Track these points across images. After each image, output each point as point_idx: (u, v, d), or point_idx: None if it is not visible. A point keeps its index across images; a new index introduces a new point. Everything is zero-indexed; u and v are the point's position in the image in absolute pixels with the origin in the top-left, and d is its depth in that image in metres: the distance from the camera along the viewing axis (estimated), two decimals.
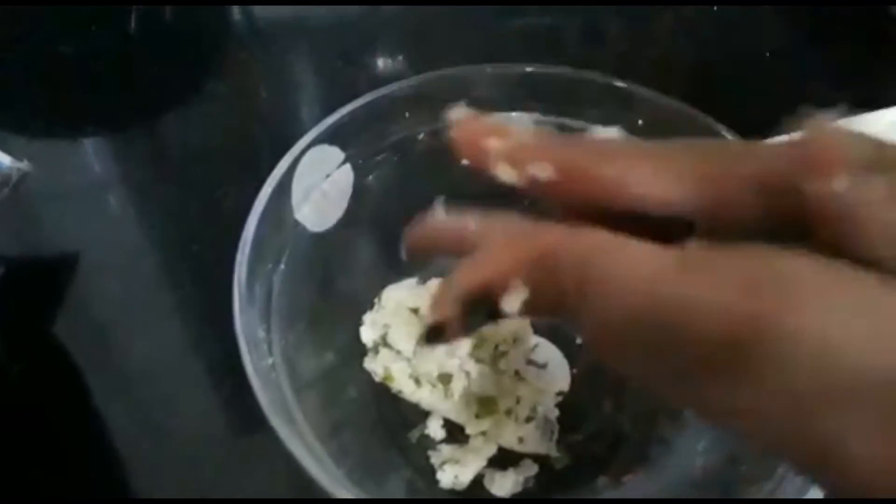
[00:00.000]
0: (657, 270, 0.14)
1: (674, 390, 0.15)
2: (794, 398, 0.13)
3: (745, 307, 0.13)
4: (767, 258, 0.14)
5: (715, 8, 0.57)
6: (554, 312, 0.16)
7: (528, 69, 0.35)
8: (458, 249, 0.19)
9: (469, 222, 0.19)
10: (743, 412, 0.14)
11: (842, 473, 0.12)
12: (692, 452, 0.32)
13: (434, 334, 0.17)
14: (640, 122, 0.35)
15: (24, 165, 0.38)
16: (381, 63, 0.56)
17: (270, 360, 0.28)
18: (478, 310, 0.16)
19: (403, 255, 0.22)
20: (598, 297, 0.15)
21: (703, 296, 0.14)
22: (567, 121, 0.36)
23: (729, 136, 0.33)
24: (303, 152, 0.32)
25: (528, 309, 0.16)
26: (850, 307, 0.13)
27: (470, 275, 0.16)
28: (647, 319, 0.14)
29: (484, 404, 0.32)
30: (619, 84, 0.35)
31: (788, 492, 0.26)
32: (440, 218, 0.20)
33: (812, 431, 0.13)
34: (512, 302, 0.16)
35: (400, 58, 0.56)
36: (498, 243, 0.17)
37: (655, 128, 0.35)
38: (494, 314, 0.16)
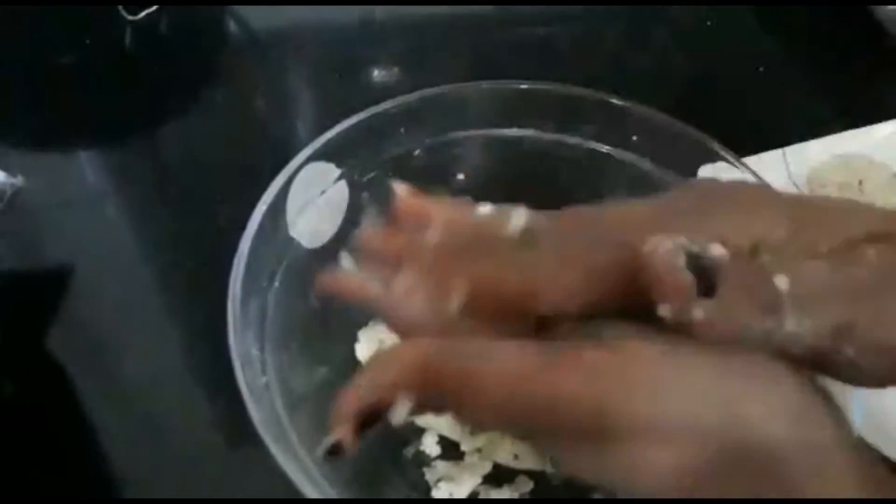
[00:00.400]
0: (523, 371, 0.18)
1: (552, 455, 0.21)
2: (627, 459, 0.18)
3: (591, 395, 0.17)
4: (612, 348, 0.18)
5: (709, 23, 0.57)
6: (437, 412, 0.19)
7: (524, 86, 0.35)
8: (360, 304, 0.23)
9: (368, 290, 0.23)
10: (604, 472, 0.18)
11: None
12: None
13: (334, 451, 0.19)
14: (634, 137, 0.35)
15: (18, 181, 0.38)
16: (378, 75, 0.56)
17: (264, 379, 0.27)
18: (369, 421, 0.19)
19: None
20: (477, 396, 0.18)
21: (560, 388, 0.18)
22: (564, 137, 0.37)
23: (721, 151, 0.34)
24: (298, 169, 0.32)
25: (414, 412, 0.19)
26: (667, 383, 0.17)
27: (359, 397, 0.19)
28: (519, 412, 0.18)
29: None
30: (614, 101, 0.35)
31: None
32: (345, 274, 0.25)
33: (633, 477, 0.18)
34: (399, 413, 0.18)
35: (397, 70, 0.56)
36: (382, 360, 0.20)
37: (649, 144, 0.35)
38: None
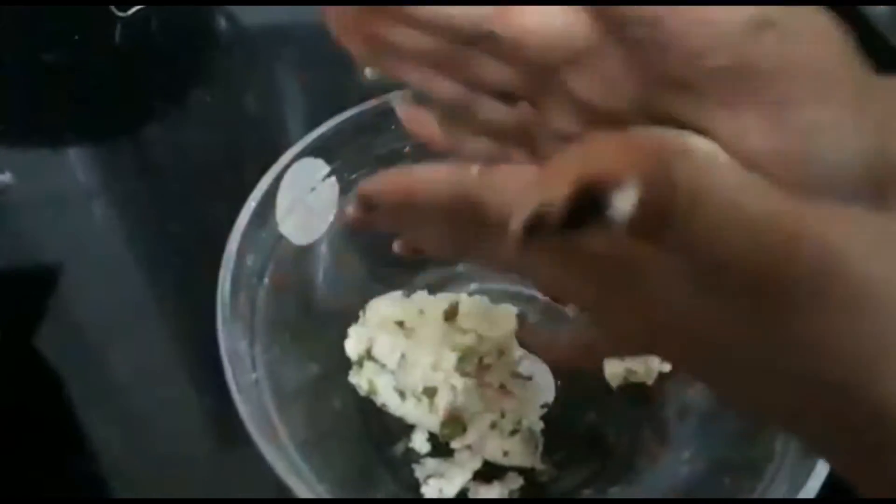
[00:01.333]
0: (766, 199, 0.14)
1: (750, 329, 0.14)
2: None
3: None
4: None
5: None
6: (659, 225, 0.14)
7: None
8: (446, 211, 0.17)
9: (467, 173, 0.17)
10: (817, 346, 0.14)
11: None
12: (676, 463, 0.32)
13: (536, 224, 0.13)
14: None
15: (7, 178, 0.38)
16: (370, 72, 0.56)
17: (254, 375, 0.27)
18: (584, 207, 0.13)
19: (354, 210, 0.19)
20: (712, 211, 0.14)
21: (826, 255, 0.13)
22: None
23: None
24: (287, 166, 0.32)
25: (638, 216, 0.13)
26: None
27: (587, 159, 0.13)
28: (754, 240, 0.14)
29: (452, 424, 0.32)
30: None
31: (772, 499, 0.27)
32: (424, 170, 0.18)
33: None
34: (626, 199, 0.13)
35: None
36: (604, 141, 0.14)
37: None
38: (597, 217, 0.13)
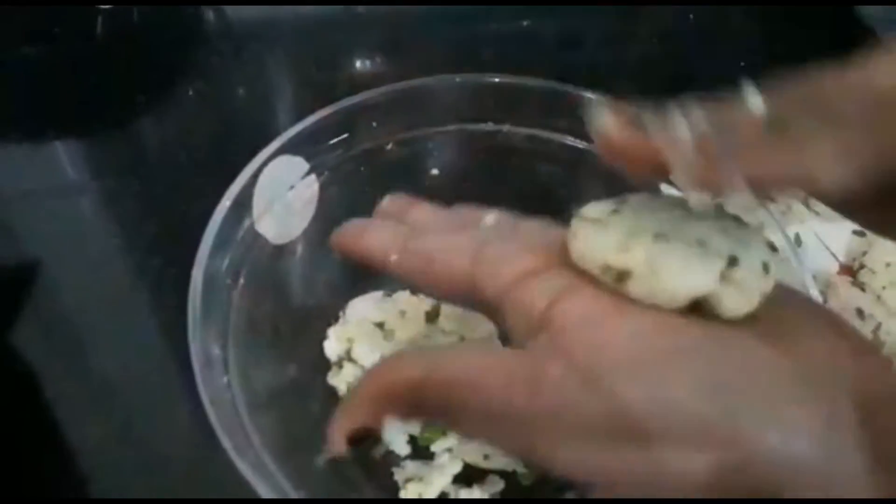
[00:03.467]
0: (507, 397, 0.17)
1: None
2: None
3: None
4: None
5: (691, 16, 0.57)
6: (432, 422, 0.21)
7: (497, 80, 0.35)
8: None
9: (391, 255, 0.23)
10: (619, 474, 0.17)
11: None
12: None
13: (333, 461, 0.20)
14: None
15: None
16: (357, 66, 0.55)
17: (226, 379, 0.27)
18: (364, 439, 0.19)
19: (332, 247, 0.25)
20: (462, 417, 0.18)
21: (548, 404, 0.17)
22: (538, 132, 0.36)
23: None
24: (265, 163, 0.31)
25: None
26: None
27: (348, 417, 0.19)
28: (508, 428, 0.18)
29: (432, 427, 0.31)
30: (588, 95, 0.34)
31: None
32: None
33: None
34: (391, 433, 0.19)
35: (376, 61, 0.56)
36: (363, 390, 0.20)
37: None
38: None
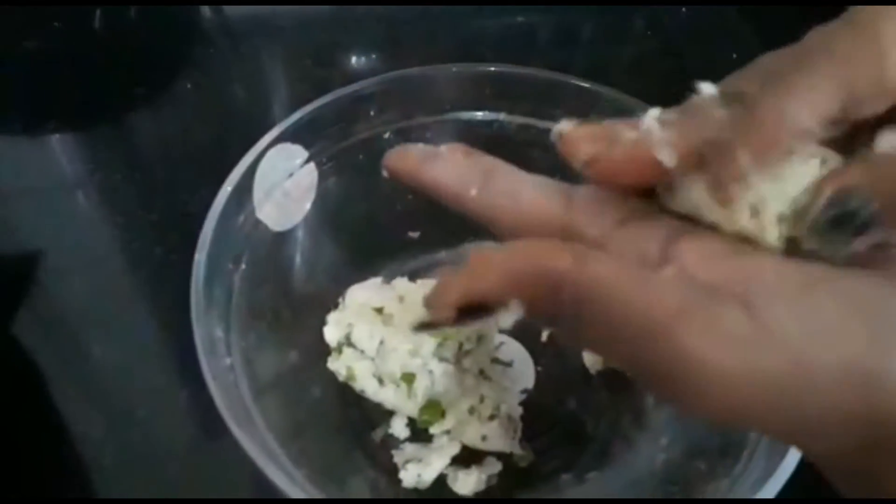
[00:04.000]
0: (649, 316, 0.15)
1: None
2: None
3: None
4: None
5: (684, 9, 0.57)
6: (544, 325, 0.17)
7: (493, 69, 0.35)
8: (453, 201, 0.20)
9: (469, 192, 0.20)
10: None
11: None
12: (654, 449, 0.32)
13: (426, 327, 0.17)
14: (604, 122, 0.35)
15: None
16: (353, 61, 0.56)
17: (229, 361, 0.27)
18: (471, 316, 0.16)
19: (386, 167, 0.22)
20: (593, 327, 0.16)
21: (695, 356, 0.15)
22: (532, 121, 0.36)
23: None
24: (264, 151, 0.32)
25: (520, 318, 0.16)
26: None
27: (471, 284, 0.16)
28: (632, 357, 0.16)
29: (430, 410, 0.32)
30: (585, 84, 0.35)
31: (745, 485, 0.27)
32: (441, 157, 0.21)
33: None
34: (507, 319, 0.16)
35: (372, 56, 0.56)
36: (501, 259, 0.17)
37: None
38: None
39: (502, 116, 0.36)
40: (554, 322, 0.17)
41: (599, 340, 0.16)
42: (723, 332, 0.15)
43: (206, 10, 0.57)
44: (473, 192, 0.20)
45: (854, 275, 0.16)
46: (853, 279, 0.16)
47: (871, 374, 0.14)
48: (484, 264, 0.16)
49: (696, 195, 0.18)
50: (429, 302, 0.16)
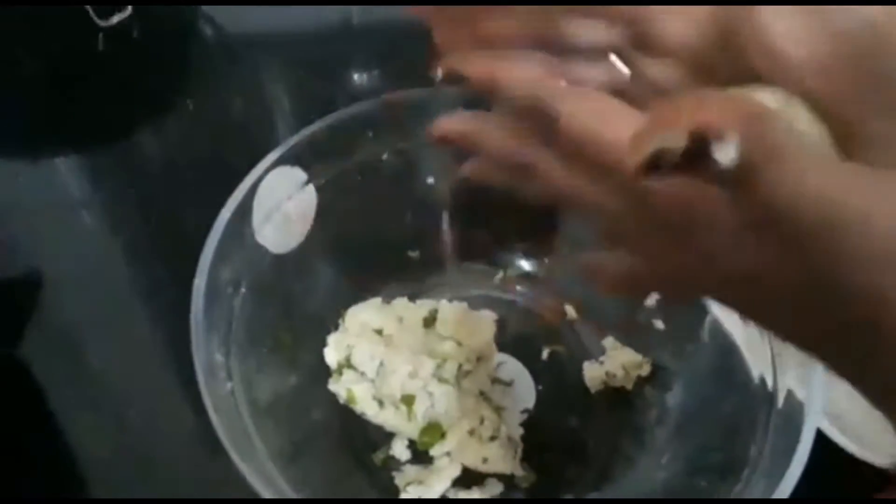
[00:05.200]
0: (838, 174, 0.15)
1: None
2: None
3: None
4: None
5: None
6: (744, 177, 0.16)
7: None
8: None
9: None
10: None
11: None
12: (654, 467, 0.32)
13: (653, 164, 0.16)
14: None
15: None
16: (353, 79, 0.56)
17: (229, 386, 0.27)
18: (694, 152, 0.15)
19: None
20: (789, 172, 0.15)
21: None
22: None
23: None
24: (264, 174, 0.32)
25: (737, 164, 0.15)
26: None
27: (696, 110, 0.15)
28: (814, 211, 0.15)
29: (431, 432, 0.32)
30: None
31: None
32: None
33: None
34: (728, 151, 0.15)
35: (373, 73, 0.56)
36: (707, 97, 0.17)
37: None
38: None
39: None
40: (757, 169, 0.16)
41: (775, 203, 0.16)
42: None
43: (206, 29, 0.58)
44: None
45: None
46: None
47: None
48: (705, 98, 0.16)
49: None
50: (657, 121, 0.16)
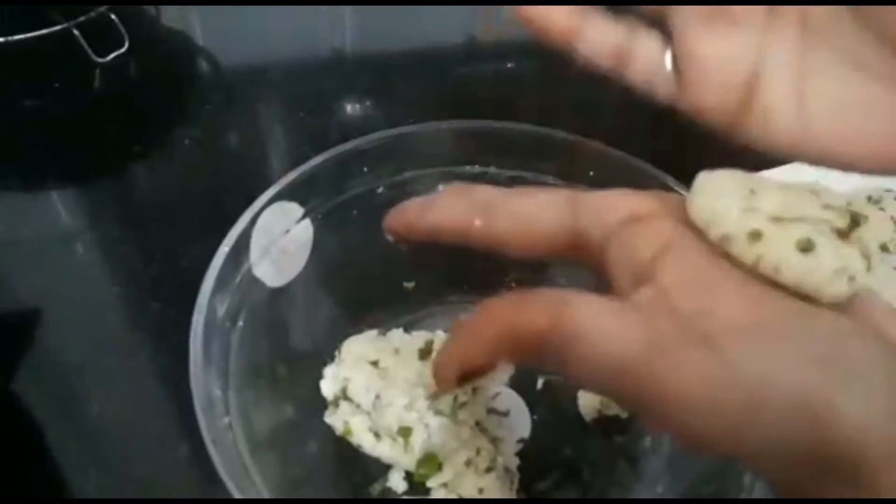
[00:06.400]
0: (626, 356, 0.17)
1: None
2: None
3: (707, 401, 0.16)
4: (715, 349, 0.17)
5: None
6: (542, 363, 0.18)
7: (484, 125, 0.36)
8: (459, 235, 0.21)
9: (473, 222, 0.21)
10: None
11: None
12: (650, 496, 0.32)
13: (438, 396, 0.21)
14: (591, 173, 0.36)
15: None
16: (347, 111, 0.57)
17: (227, 420, 0.28)
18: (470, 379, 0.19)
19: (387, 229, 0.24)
20: (578, 370, 0.17)
21: (670, 389, 0.16)
22: (523, 173, 0.37)
23: (676, 187, 0.34)
24: (261, 210, 0.32)
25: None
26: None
27: (462, 355, 0.18)
28: (622, 394, 0.17)
29: (427, 463, 0.32)
30: (571, 138, 0.36)
31: None
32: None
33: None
34: (500, 377, 0.18)
35: (366, 105, 0.57)
36: (482, 328, 0.18)
37: (606, 179, 0.36)
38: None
39: (491, 169, 0.37)
40: (542, 368, 0.19)
41: (586, 379, 0.18)
42: (689, 370, 0.16)
43: (203, 66, 0.59)
44: (478, 223, 0.21)
45: (817, 313, 0.17)
46: (815, 318, 0.17)
47: (819, 406, 0.16)
48: (467, 335, 0.18)
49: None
50: (434, 375, 0.19)
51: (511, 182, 0.37)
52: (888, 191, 0.46)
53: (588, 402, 0.36)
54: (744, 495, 0.28)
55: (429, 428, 0.32)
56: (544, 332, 0.17)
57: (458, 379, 0.18)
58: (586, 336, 0.17)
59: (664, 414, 0.16)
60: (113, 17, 0.54)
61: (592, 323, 0.17)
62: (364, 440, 0.32)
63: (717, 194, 0.19)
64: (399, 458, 0.32)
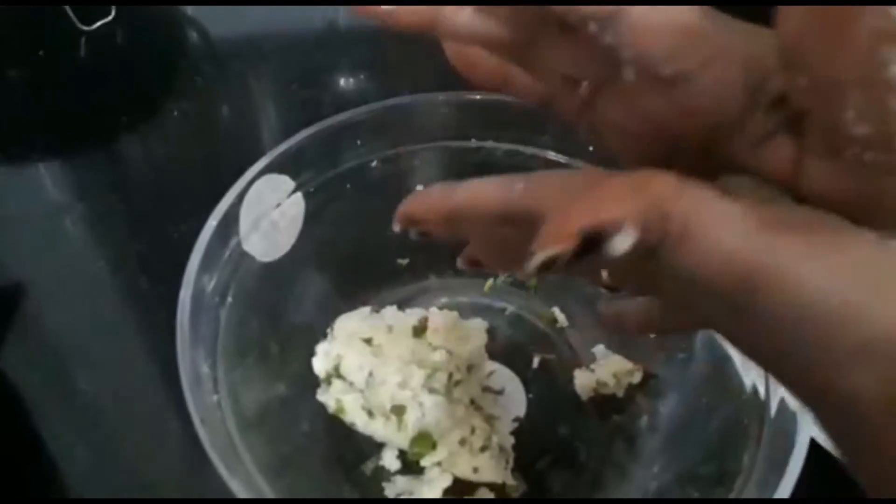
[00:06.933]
0: (744, 236, 0.16)
1: (728, 330, 0.18)
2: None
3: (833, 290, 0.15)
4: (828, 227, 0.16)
5: None
6: (647, 257, 0.17)
7: (479, 97, 0.35)
8: (496, 224, 0.19)
9: (514, 186, 0.19)
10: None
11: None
12: (646, 476, 0.32)
13: (546, 267, 0.17)
14: (590, 147, 0.35)
15: None
16: (341, 85, 0.56)
17: (216, 398, 0.27)
18: (587, 248, 0.16)
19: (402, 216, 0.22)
20: (696, 248, 0.16)
21: (803, 289, 0.15)
22: (520, 147, 0.37)
23: None
24: (251, 182, 0.31)
25: (631, 252, 0.16)
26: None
27: (588, 212, 0.16)
28: (727, 279, 0.16)
29: (421, 442, 0.31)
30: None
31: None
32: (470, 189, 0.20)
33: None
34: (623, 243, 0.16)
35: (360, 78, 0.56)
36: (607, 190, 0.17)
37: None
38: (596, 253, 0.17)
39: (489, 143, 0.36)
40: (657, 252, 0.16)
41: (691, 273, 0.16)
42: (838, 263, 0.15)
43: (192, 36, 0.57)
44: (520, 185, 0.19)
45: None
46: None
47: None
48: (601, 193, 0.17)
49: None
50: (549, 235, 0.16)
51: (508, 157, 0.36)
52: None
53: (584, 382, 0.35)
54: (743, 475, 0.28)
55: (423, 406, 0.31)
56: (675, 200, 0.16)
57: (581, 238, 0.16)
58: (710, 206, 0.16)
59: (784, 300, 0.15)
60: None
61: (714, 198, 0.16)
62: (357, 418, 0.32)
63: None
64: (392, 437, 0.32)
